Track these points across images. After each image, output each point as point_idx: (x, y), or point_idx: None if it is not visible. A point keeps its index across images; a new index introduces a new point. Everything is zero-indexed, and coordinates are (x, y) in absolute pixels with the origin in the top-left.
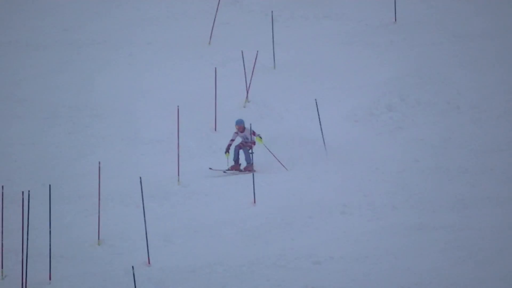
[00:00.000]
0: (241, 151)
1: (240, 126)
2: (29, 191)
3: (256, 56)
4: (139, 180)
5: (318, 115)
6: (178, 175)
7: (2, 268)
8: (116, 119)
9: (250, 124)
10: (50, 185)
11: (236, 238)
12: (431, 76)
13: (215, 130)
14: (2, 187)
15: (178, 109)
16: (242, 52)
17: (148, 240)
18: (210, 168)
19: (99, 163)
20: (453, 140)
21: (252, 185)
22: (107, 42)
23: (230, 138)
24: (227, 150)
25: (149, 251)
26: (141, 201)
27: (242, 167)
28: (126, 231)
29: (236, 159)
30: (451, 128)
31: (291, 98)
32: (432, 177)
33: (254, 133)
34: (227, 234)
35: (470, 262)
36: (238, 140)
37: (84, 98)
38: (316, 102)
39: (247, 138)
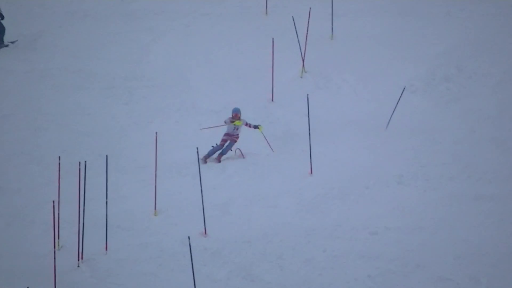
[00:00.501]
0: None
1: (237, 114)
2: (85, 161)
3: (308, 26)
4: (196, 150)
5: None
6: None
7: (58, 238)
8: (173, 89)
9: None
10: (107, 156)
11: (293, 209)
12: (488, 47)
13: (272, 100)
14: (59, 157)
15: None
16: (293, 18)
17: (205, 211)
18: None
19: (156, 133)
20: (509, 111)
21: (309, 156)
22: (164, 12)
23: (224, 120)
24: (256, 126)
25: (206, 221)
26: (198, 172)
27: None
28: (183, 202)
29: (211, 153)
30: (507, 98)
31: (348, 69)
32: (488, 147)
33: (248, 124)
34: (283, 205)
35: None
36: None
37: (140, 68)
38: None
39: (237, 129)
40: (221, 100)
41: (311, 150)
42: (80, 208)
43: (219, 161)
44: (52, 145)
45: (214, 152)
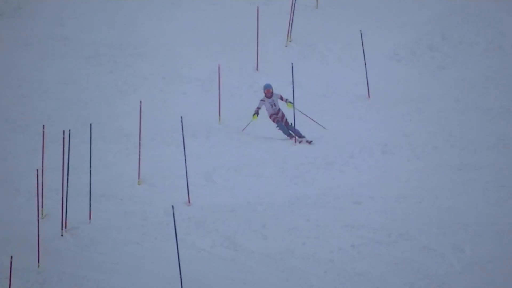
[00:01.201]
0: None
1: (269, 89)
2: (69, 130)
3: None
4: (180, 119)
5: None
6: (219, 114)
7: (42, 207)
8: (158, 58)
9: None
10: (91, 124)
11: (277, 178)
12: (474, 16)
13: (257, 69)
14: (43, 126)
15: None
16: None
17: (189, 180)
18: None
19: (140, 102)
20: (494, 80)
21: (293, 124)
22: None
23: (257, 106)
24: (256, 113)
25: (189, 190)
26: (182, 140)
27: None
28: (167, 171)
29: (288, 132)
30: (492, 68)
31: (334, 37)
32: (473, 117)
33: (282, 98)
34: (267, 174)
35: (510, 202)
36: (264, 112)
37: (125, 37)
38: (361, 38)
39: (275, 104)
40: (206, 69)
41: (295, 120)
42: (64, 177)
43: (301, 141)
44: (37, 113)
45: (292, 130)
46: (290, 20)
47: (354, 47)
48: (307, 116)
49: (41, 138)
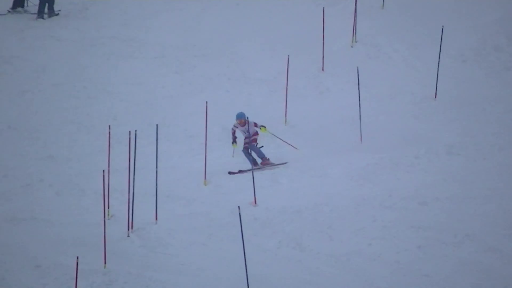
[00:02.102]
0: (251, 151)
1: (241, 120)
2: (136, 130)
3: None
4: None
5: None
6: (286, 115)
7: (108, 208)
8: (223, 59)
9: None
10: (157, 125)
11: (343, 178)
12: None
13: (322, 70)
14: (109, 126)
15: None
16: None
17: (255, 180)
18: (230, 172)
19: (206, 103)
20: None
21: (359, 125)
22: None
23: (231, 132)
24: (234, 141)
25: (255, 191)
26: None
27: (259, 163)
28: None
29: (252, 159)
30: None
31: (399, 38)
32: None
33: (256, 125)
34: (333, 174)
35: None
36: (240, 136)
37: (191, 38)
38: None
39: (248, 131)
40: (271, 70)
41: (361, 120)
42: (130, 178)
43: (267, 164)
44: (103, 114)
45: (254, 163)
46: (354, 20)
47: (419, 48)
48: (280, 139)
49: (107, 139)
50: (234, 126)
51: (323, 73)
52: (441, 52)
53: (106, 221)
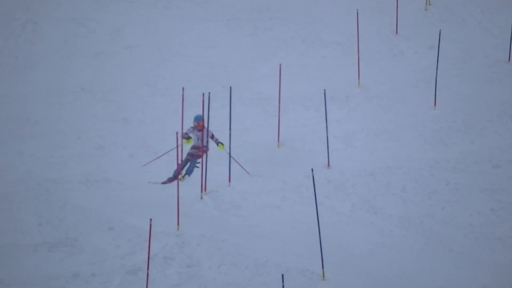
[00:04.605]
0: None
1: (199, 122)
2: (209, 93)
3: None
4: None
5: None
6: (359, 78)
7: (182, 170)
8: (297, 21)
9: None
10: (230, 87)
11: (416, 142)
12: None
13: (396, 33)
14: (183, 89)
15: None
16: None
17: (328, 143)
18: (149, 182)
19: (280, 65)
20: None
21: (434, 88)
22: None
23: (184, 131)
24: (186, 138)
25: (329, 154)
26: (323, 104)
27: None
28: (306, 134)
29: (179, 171)
30: None
31: (473, 1)
32: None
33: (213, 136)
34: (406, 138)
35: None
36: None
37: (265, 0)
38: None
39: (202, 140)
40: (345, 32)
41: (436, 83)
42: (204, 140)
43: (177, 179)
44: (176, 77)
45: (179, 171)
46: None
47: (493, 11)
48: (235, 160)
49: (181, 101)
50: (191, 127)
51: (397, 36)
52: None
53: (179, 183)
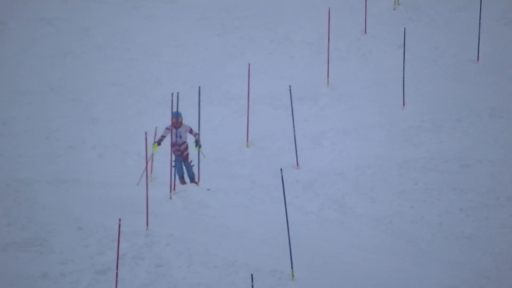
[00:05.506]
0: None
1: (178, 119)
2: (178, 92)
3: None
4: (289, 88)
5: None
6: (328, 77)
7: (151, 170)
8: (265, 21)
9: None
10: (199, 87)
11: (385, 141)
12: None
13: (365, 32)
14: (152, 88)
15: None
16: None
17: (297, 143)
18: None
19: (249, 65)
20: None
21: (402, 88)
22: None
23: (161, 134)
24: (159, 143)
25: (298, 153)
26: (290, 104)
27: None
28: (275, 134)
29: (182, 174)
30: None
31: (442, 0)
32: None
33: (191, 131)
34: (375, 137)
35: None
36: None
37: (234, 0)
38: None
39: (181, 137)
40: (314, 32)
41: (405, 83)
42: (172, 140)
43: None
44: (145, 76)
45: (182, 173)
46: None
47: (462, 11)
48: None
49: (149, 101)
50: (166, 128)
51: (366, 35)
52: (483, 15)
53: (148, 183)
